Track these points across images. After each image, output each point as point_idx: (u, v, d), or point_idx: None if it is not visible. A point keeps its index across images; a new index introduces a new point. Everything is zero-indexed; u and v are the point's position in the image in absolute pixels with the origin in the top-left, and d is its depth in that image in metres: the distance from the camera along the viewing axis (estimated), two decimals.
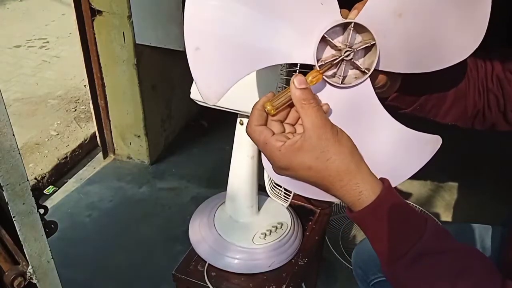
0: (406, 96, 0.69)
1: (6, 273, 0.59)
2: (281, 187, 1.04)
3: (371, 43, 0.53)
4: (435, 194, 2.01)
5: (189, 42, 0.50)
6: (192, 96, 0.84)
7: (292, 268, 0.99)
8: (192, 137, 2.32)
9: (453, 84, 0.71)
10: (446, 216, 1.91)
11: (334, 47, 0.54)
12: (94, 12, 1.74)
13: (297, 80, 0.52)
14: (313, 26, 0.52)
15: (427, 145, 0.61)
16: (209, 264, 0.97)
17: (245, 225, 1.01)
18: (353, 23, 0.52)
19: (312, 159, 0.52)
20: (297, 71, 0.69)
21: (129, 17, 1.73)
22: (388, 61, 0.56)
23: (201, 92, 0.53)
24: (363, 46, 0.54)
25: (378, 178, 0.55)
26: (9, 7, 4.09)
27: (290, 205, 1.06)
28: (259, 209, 1.04)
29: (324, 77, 0.54)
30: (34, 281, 0.61)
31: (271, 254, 0.97)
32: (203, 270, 0.97)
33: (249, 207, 1.00)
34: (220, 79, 0.53)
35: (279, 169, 0.55)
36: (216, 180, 2.01)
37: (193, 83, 0.84)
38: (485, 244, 0.92)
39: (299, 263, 1.01)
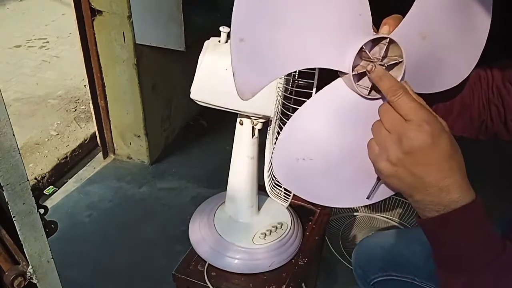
0: None
1: (6, 273, 0.59)
2: (281, 187, 1.04)
3: (399, 60, 0.55)
4: None
5: (235, 32, 0.50)
6: (192, 96, 0.84)
7: (292, 268, 0.99)
8: (192, 137, 2.32)
9: (458, 95, 0.72)
10: None
11: (367, 58, 0.55)
12: (94, 12, 1.74)
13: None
14: (350, 37, 0.53)
15: None
16: (209, 264, 0.97)
17: (245, 225, 1.01)
18: (388, 39, 0.54)
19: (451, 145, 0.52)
20: (298, 71, 0.69)
21: (129, 17, 1.73)
22: (411, 81, 0.58)
23: (237, 86, 0.52)
24: (392, 62, 0.55)
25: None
26: (9, 7, 4.09)
27: (290, 205, 1.06)
28: (259, 209, 1.04)
29: (354, 85, 0.55)
30: (34, 281, 0.61)
31: (271, 254, 0.97)
32: (203, 270, 0.97)
33: (249, 207, 1.00)
34: (258, 75, 0.53)
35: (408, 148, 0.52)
36: (216, 180, 2.01)
37: (193, 82, 0.84)
38: None
39: (299, 263, 1.01)
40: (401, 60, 0.55)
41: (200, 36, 0.91)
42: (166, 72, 2.05)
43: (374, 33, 0.54)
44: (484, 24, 0.60)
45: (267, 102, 0.79)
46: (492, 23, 0.60)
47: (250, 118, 0.88)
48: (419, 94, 0.62)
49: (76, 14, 1.76)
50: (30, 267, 0.60)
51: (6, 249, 0.61)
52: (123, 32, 1.77)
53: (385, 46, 0.54)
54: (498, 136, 0.75)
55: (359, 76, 0.56)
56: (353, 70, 0.55)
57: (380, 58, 0.55)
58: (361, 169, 0.60)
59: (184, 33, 1.71)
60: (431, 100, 0.69)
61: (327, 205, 0.62)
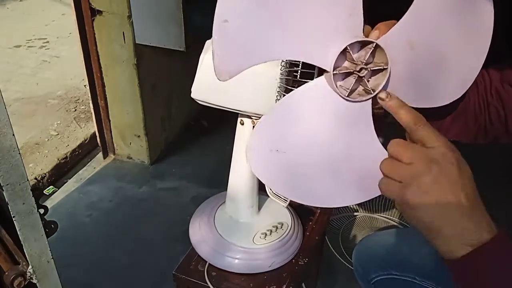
0: None
1: (6, 273, 0.59)
2: None
3: (384, 67, 0.54)
4: None
5: (219, 12, 0.50)
6: (192, 95, 0.84)
7: (293, 268, 0.99)
8: (192, 137, 2.32)
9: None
10: None
11: (351, 60, 0.55)
12: (94, 12, 1.74)
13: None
14: (336, 36, 0.53)
15: None
16: (209, 264, 0.97)
17: (245, 225, 1.01)
18: (375, 44, 0.53)
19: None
20: (299, 71, 0.69)
21: (129, 17, 1.72)
22: (394, 91, 0.58)
23: (215, 66, 0.53)
24: (376, 68, 0.55)
25: None
26: (9, 7, 4.08)
27: (290, 205, 1.06)
28: (259, 209, 1.04)
29: (334, 84, 0.55)
30: (34, 281, 0.61)
31: (271, 254, 0.97)
32: (204, 270, 0.97)
33: (249, 207, 1.00)
34: (238, 57, 0.53)
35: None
36: (216, 180, 2.01)
37: (194, 82, 0.84)
38: None
39: (300, 263, 1.01)
40: (386, 67, 0.54)
41: (200, 36, 0.91)
42: (166, 72, 2.05)
43: (363, 36, 0.54)
44: (485, 40, 0.59)
45: (268, 101, 0.79)
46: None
47: (251, 118, 0.88)
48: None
49: (76, 14, 1.75)
50: (30, 267, 0.60)
51: (6, 249, 0.61)
52: (123, 32, 1.76)
53: (371, 51, 0.54)
54: (498, 139, 0.75)
55: (342, 77, 0.56)
56: (335, 70, 0.54)
57: (364, 61, 0.54)
58: (330, 169, 0.59)
59: (184, 33, 1.71)
60: None
61: (298, 201, 0.62)
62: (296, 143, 0.59)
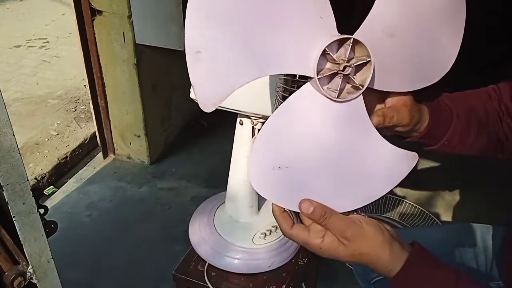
0: (435, 132, 0.70)
1: (6, 273, 0.59)
2: None
3: (367, 60, 0.54)
4: (435, 194, 2.01)
5: (190, 44, 0.49)
6: (192, 95, 0.84)
7: (292, 268, 0.99)
8: (192, 137, 2.32)
9: (475, 116, 0.72)
10: (446, 216, 1.91)
11: (332, 61, 0.54)
12: (94, 12, 1.74)
13: (304, 208, 0.58)
14: (312, 40, 0.53)
15: (405, 160, 0.63)
16: (209, 264, 0.98)
17: (245, 225, 1.01)
18: (352, 39, 0.53)
19: (349, 257, 0.59)
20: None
21: (129, 17, 1.73)
22: (382, 80, 0.58)
23: (198, 98, 0.51)
24: (359, 62, 0.54)
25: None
26: (9, 7, 4.09)
27: None
28: (259, 209, 1.04)
29: (321, 89, 0.54)
30: (34, 281, 0.61)
31: (271, 254, 0.97)
32: (203, 270, 0.97)
33: (249, 207, 1.00)
34: (218, 87, 0.52)
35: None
36: (216, 180, 2.01)
37: None
38: (487, 244, 0.93)
39: (299, 263, 1.01)
40: (369, 59, 0.54)
41: None
42: (166, 72, 2.05)
43: (338, 35, 0.53)
44: (460, 13, 0.59)
45: (267, 102, 0.79)
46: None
47: (250, 118, 0.88)
48: (439, 110, 0.64)
49: (76, 14, 1.76)
50: (30, 267, 0.60)
51: (6, 249, 0.61)
52: (123, 32, 1.77)
53: (350, 47, 0.53)
54: None
55: (328, 80, 0.55)
56: (319, 74, 0.54)
57: (346, 59, 0.54)
58: (335, 175, 0.59)
59: None
60: (451, 122, 0.70)
61: None
62: (297, 155, 0.58)
